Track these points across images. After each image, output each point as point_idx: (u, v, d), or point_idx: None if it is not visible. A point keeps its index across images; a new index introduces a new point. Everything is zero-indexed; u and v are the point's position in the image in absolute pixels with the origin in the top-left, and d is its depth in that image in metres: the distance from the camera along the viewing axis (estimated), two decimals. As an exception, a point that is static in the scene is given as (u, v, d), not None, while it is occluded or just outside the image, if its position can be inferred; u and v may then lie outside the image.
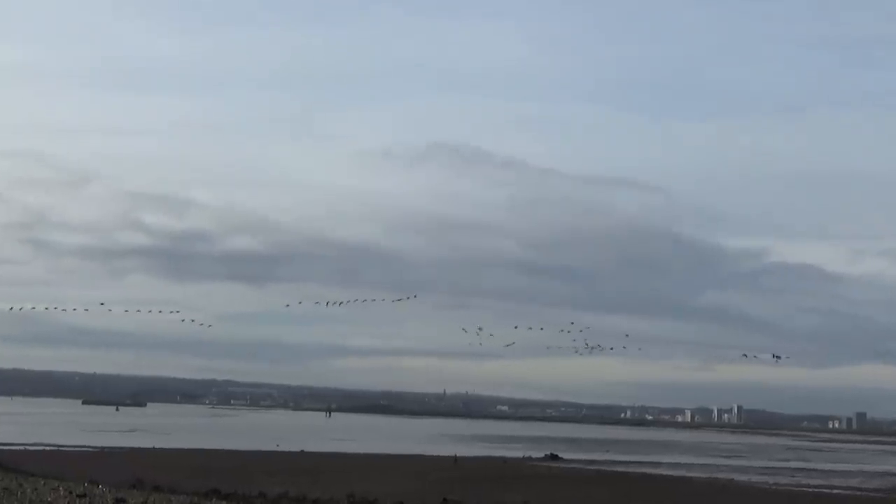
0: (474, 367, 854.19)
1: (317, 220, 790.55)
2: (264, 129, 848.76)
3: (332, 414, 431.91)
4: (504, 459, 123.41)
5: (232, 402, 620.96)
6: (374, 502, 58.45)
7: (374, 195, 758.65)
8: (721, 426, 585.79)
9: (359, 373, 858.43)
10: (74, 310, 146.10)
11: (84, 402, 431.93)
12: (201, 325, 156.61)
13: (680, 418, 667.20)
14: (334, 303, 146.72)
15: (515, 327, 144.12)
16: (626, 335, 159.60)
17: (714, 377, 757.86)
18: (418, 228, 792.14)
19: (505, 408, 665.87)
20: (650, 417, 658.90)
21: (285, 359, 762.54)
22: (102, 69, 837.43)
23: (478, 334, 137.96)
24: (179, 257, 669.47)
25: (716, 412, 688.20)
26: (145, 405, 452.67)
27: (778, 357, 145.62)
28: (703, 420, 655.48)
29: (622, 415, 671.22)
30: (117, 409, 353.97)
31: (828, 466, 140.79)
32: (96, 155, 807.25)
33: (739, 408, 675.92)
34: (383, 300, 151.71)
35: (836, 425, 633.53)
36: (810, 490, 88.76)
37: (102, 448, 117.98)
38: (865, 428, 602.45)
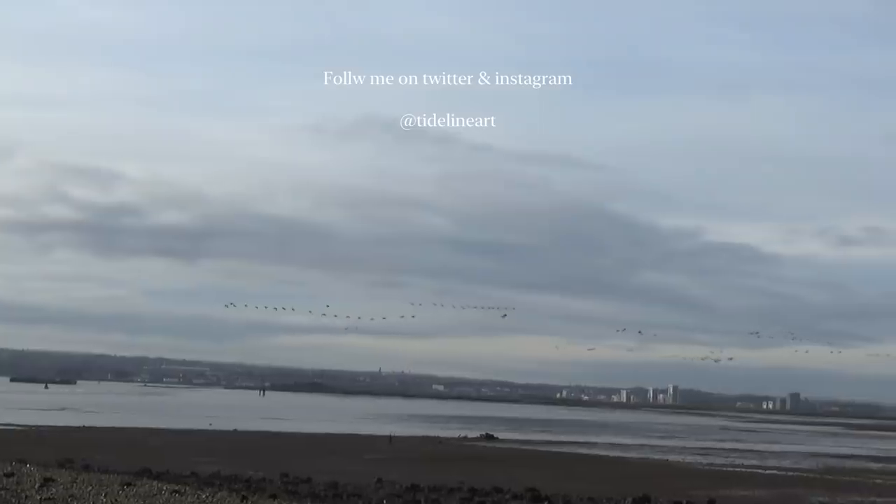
0: (409, 345, 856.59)
1: (247, 194, 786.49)
2: (193, 102, 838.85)
3: (266, 392, 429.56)
4: (439, 439, 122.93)
5: (164, 379, 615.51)
6: (308, 481, 57.61)
7: (304, 170, 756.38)
8: (656, 406, 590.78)
9: (293, 351, 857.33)
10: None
11: (12, 380, 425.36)
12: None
13: (615, 398, 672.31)
14: (464, 306, 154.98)
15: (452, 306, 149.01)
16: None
17: (649, 357, 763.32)
18: (349, 204, 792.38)
19: (440, 387, 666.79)
20: (586, 397, 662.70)
21: (218, 336, 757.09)
22: (28, 38, 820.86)
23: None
24: (107, 232, 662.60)
25: (651, 392, 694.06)
26: (75, 383, 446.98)
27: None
28: (639, 400, 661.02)
29: (558, 395, 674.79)
30: (46, 387, 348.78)
31: (762, 447, 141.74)
32: (21, 125, 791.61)
33: (675, 388, 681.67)
34: (514, 309, 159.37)
35: (771, 406, 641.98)
36: (744, 470, 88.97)
37: (31, 426, 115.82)
38: (799, 409, 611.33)
